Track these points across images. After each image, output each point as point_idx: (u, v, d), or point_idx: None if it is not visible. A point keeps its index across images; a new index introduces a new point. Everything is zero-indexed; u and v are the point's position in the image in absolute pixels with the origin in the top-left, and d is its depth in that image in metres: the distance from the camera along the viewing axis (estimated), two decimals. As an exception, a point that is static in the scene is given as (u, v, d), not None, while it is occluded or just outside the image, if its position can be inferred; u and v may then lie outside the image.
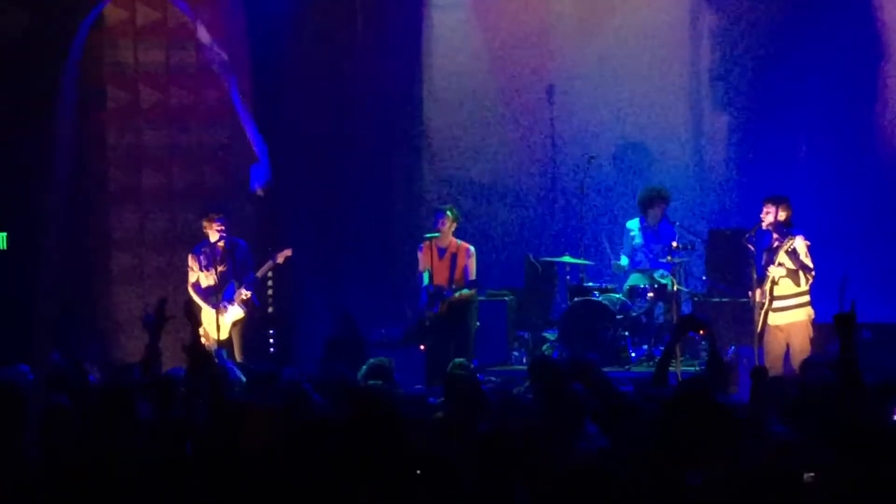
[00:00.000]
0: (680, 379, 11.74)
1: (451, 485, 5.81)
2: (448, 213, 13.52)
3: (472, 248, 13.47)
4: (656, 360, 13.42)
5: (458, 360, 9.90)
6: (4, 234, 13.85)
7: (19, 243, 13.75)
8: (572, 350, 13.66)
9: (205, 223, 13.00)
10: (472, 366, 10.31)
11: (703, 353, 13.68)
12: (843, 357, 6.67)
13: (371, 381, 8.65)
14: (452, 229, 13.48)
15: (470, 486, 5.85)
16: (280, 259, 13.17)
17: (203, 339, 12.78)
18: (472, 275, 13.36)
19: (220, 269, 12.86)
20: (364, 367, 9.44)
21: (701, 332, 8.50)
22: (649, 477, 5.63)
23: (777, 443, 6.45)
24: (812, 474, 6.05)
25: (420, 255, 13.58)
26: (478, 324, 13.77)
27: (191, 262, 13.06)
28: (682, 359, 12.93)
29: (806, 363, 9.32)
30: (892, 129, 15.28)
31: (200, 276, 12.98)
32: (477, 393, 8.31)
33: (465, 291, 13.31)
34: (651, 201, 14.23)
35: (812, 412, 6.85)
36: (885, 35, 15.19)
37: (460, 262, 13.36)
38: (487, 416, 7.56)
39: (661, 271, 14.02)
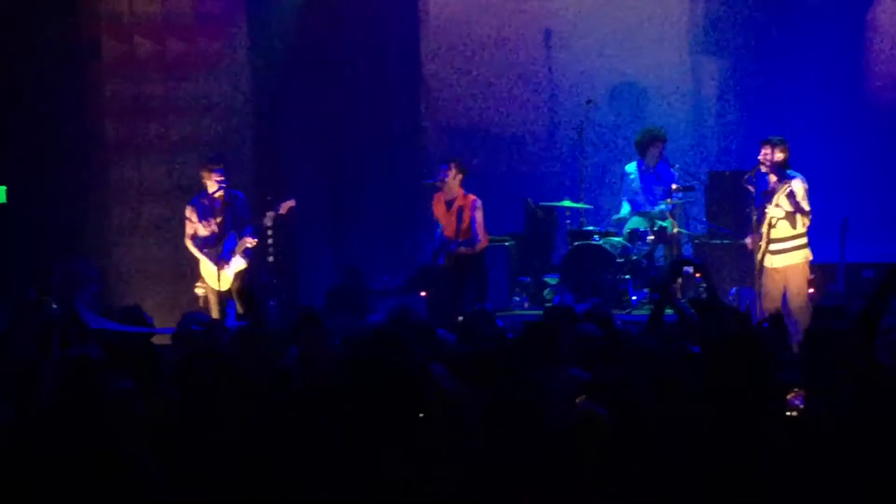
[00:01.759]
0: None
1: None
2: (453, 164, 13.38)
3: (478, 201, 13.29)
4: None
5: (474, 308, 9.92)
6: (4, 187, 13.84)
7: (19, 196, 13.76)
8: (574, 294, 13.69)
9: (203, 173, 12.95)
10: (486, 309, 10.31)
11: (702, 294, 13.72)
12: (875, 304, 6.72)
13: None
14: (458, 181, 13.34)
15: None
16: (283, 210, 13.10)
17: (203, 291, 12.92)
18: (480, 227, 13.19)
19: (218, 220, 12.84)
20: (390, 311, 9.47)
21: (697, 274, 8.51)
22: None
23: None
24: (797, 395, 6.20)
25: (433, 206, 13.50)
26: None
27: (188, 212, 13.02)
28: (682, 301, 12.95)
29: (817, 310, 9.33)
30: (886, 68, 15.25)
31: (198, 226, 12.96)
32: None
33: (466, 249, 13.20)
34: (648, 142, 14.24)
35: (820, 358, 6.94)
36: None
37: (466, 214, 13.26)
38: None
39: (660, 206, 13.96)
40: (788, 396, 6.38)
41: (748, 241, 12.33)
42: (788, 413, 6.22)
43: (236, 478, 5.78)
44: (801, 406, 6.29)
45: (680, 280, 12.78)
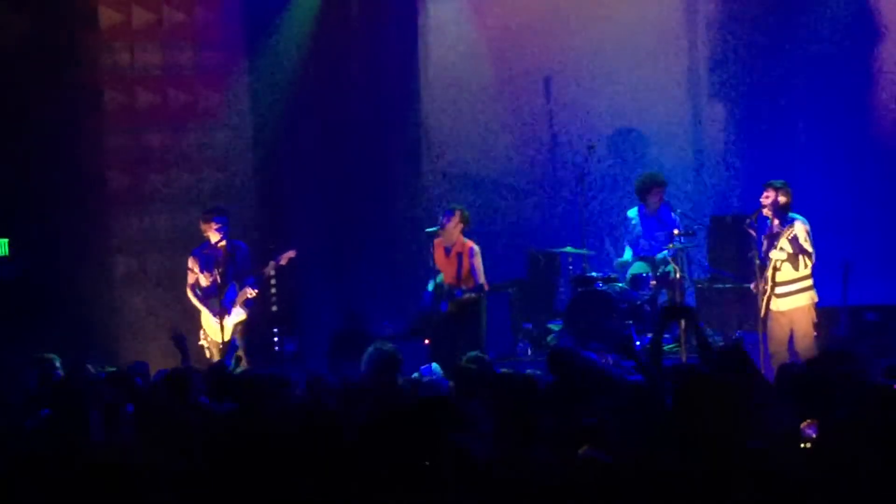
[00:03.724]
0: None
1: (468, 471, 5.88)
2: (457, 211, 13.44)
3: (475, 248, 13.37)
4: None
5: (472, 353, 9.93)
6: (6, 240, 13.86)
7: (20, 249, 13.80)
8: (577, 340, 13.66)
9: (202, 225, 12.99)
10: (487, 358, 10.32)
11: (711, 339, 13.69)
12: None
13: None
14: (459, 229, 13.39)
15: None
16: (283, 261, 13.15)
17: (205, 342, 12.91)
18: (481, 276, 13.28)
19: (219, 270, 12.85)
20: (367, 355, 9.51)
21: (685, 320, 8.59)
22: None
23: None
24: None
25: (432, 253, 13.55)
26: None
27: (190, 263, 13.05)
28: (685, 346, 12.94)
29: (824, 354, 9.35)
30: (889, 111, 15.27)
31: (200, 277, 12.99)
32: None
33: (473, 295, 13.26)
34: (648, 187, 14.23)
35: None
36: (877, 16, 15.20)
37: (465, 261, 13.31)
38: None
39: (662, 253, 13.97)
40: (802, 426, 6.44)
41: (752, 285, 12.32)
42: (802, 444, 6.28)
43: None
44: (815, 436, 6.36)
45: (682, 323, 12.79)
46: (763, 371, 11.46)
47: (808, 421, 6.69)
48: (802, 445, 6.43)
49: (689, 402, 5.96)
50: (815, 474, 5.75)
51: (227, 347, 12.71)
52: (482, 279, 13.29)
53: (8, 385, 10.35)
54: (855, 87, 15.20)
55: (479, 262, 13.31)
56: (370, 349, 9.69)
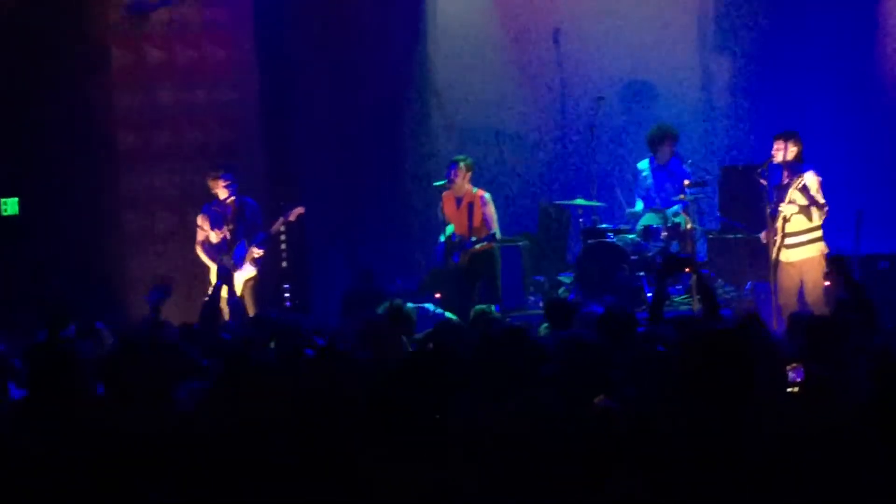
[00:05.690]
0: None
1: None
2: (461, 163, 13.44)
3: (487, 196, 13.40)
4: (672, 300, 13.50)
5: (479, 307, 9.93)
6: (16, 199, 13.88)
7: (30, 207, 13.81)
8: (588, 293, 13.66)
9: (209, 182, 13.00)
10: (495, 310, 10.30)
11: (719, 290, 13.69)
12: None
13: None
14: (467, 179, 13.40)
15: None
16: (292, 217, 13.18)
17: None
18: (494, 224, 13.29)
19: (229, 227, 12.87)
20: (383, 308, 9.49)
21: (687, 269, 8.51)
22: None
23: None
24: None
25: (442, 206, 13.54)
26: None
27: (200, 220, 13.07)
28: (697, 297, 12.91)
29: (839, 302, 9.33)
30: (894, 62, 15.22)
31: (210, 234, 13.00)
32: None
33: (485, 244, 13.26)
34: (659, 139, 14.21)
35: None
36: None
37: (477, 210, 13.31)
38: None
39: (674, 208, 13.97)
40: (787, 369, 6.43)
41: (762, 235, 12.27)
42: (789, 389, 6.26)
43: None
44: (801, 380, 6.35)
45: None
46: (774, 321, 11.52)
47: (794, 365, 6.69)
48: (789, 390, 6.43)
49: (691, 354, 5.94)
50: (809, 422, 5.72)
51: (235, 305, 12.69)
52: (495, 227, 13.32)
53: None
54: (864, 34, 15.14)
55: (491, 210, 13.33)
56: (385, 305, 9.65)
